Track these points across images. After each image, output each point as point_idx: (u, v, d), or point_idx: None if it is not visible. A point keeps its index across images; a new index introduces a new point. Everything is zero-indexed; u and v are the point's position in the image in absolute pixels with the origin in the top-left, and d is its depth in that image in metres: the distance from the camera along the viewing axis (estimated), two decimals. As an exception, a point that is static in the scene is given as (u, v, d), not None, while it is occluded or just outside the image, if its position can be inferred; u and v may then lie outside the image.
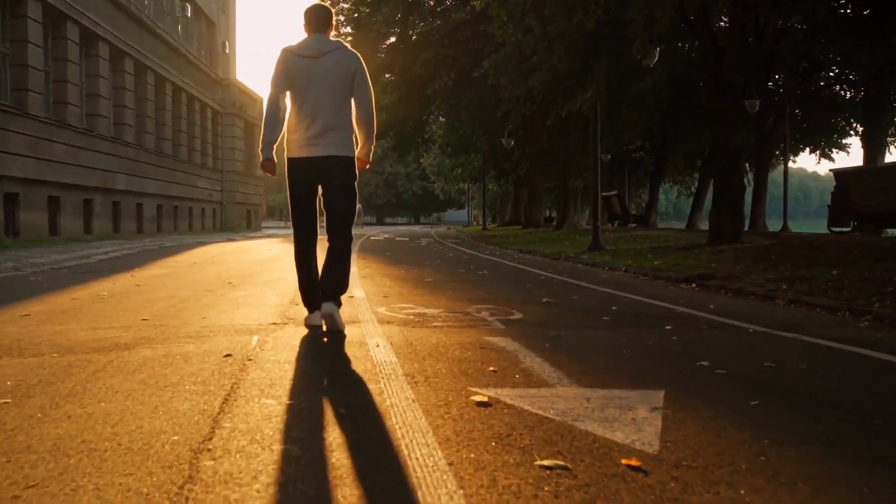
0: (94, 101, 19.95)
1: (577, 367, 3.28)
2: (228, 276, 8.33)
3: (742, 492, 1.81)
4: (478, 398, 2.67)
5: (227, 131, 32.47)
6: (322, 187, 4.33)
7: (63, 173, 17.84)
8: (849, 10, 15.86)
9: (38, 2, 16.67)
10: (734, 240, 11.89)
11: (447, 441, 2.17)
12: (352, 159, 4.30)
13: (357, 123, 4.31)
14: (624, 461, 2.00)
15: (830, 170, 15.40)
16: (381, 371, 3.17)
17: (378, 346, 3.79)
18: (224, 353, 3.53)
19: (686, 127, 26.71)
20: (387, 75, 27.29)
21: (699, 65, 19.73)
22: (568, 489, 1.80)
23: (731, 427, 2.37)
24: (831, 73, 25.71)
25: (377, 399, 2.69)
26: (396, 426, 2.32)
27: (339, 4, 26.22)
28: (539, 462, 1.98)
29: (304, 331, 4.30)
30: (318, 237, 4.49)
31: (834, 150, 30.97)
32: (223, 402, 2.61)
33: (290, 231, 4.60)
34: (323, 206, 4.39)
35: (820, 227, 34.32)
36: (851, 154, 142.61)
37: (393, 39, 27.11)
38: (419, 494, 1.76)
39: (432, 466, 1.94)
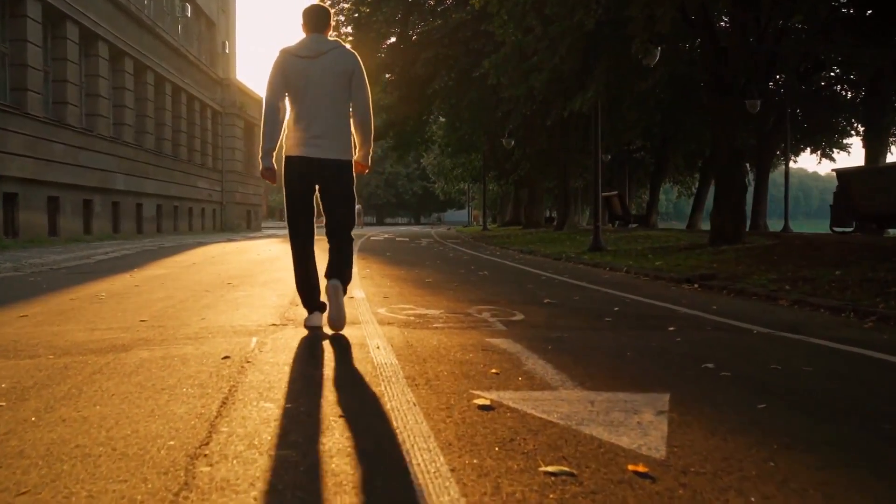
0: (93, 101, 19.91)
1: (580, 370, 3.23)
2: (228, 277, 8.28)
3: (752, 499, 1.77)
4: (480, 401, 2.62)
5: (226, 131, 32.43)
6: (319, 190, 4.29)
7: (62, 173, 17.79)
8: (850, 10, 15.82)
9: (38, 1, 16.63)
10: (736, 240, 11.83)
11: (449, 446, 2.12)
12: (350, 163, 4.27)
13: (354, 124, 4.29)
14: (630, 467, 1.96)
15: (833, 170, 15.37)
16: (381, 373, 3.12)
17: (378, 347, 3.74)
18: (222, 355, 3.48)
19: (686, 127, 26.65)
20: (387, 75, 27.24)
21: (700, 65, 19.69)
22: (574, 496, 1.76)
23: (738, 431, 2.33)
24: (832, 73, 25.67)
25: (378, 402, 2.64)
26: (397, 430, 2.28)
27: (339, 4, 26.18)
28: (543, 468, 1.94)
29: (304, 332, 4.25)
30: (316, 237, 4.44)
31: (835, 150, 30.93)
32: (221, 406, 2.56)
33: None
34: (321, 210, 4.35)
35: (820, 227, 34.27)
36: (852, 154, 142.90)
37: (393, 39, 27.06)
38: (421, 503, 1.71)
39: (434, 473, 1.89)
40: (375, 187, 74.03)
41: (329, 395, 2.76)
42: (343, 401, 2.67)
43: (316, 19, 4.25)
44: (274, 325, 4.55)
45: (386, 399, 2.68)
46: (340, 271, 4.23)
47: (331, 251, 4.30)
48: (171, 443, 2.13)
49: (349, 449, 2.10)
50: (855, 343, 4.16)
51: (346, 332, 4.25)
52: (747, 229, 15.61)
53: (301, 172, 4.21)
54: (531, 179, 29.46)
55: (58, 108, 18.04)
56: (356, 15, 26.02)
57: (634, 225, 25.60)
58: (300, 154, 4.19)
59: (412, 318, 4.90)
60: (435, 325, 4.55)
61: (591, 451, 2.10)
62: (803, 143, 30.40)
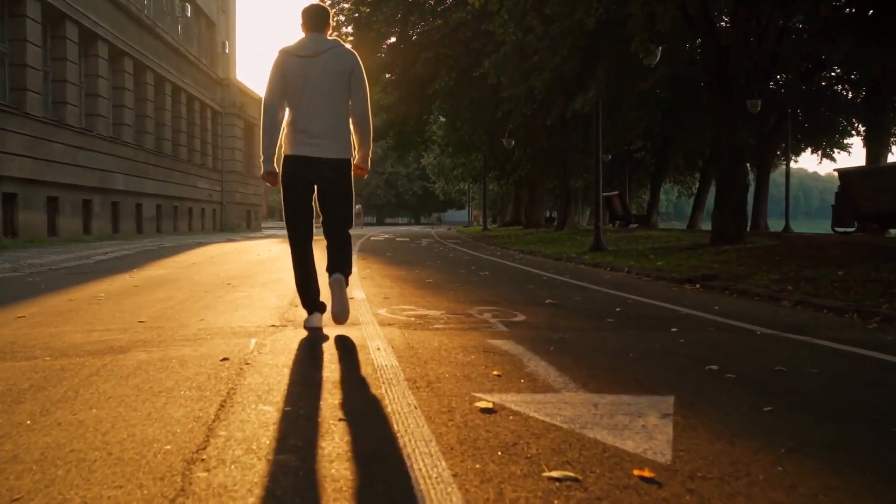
0: (93, 101, 19.88)
1: (583, 372, 3.19)
2: (227, 277, 8.24)
3: (761, 505, 1.73)
4: (482, 404, 2.59)
5: (226, 131, 32.40)
6: (318, 189, 4.27)
7: (62, 173, 17.76)
8: (852, 10, 15.77)
9: (38, 1, 16.60)
10: (737, 240, 11.80)
11: (451, 450, 2.08)
12: (349, 161, 4.26)
13: (353, 123, 4.28)
14: (636, 472, 1.92)
15: (834, 169, 15.31)
16: (382, 375, 3.09)
17: (379, 349, 3.70)
18: (221, 357, 3.45)
19: (687, 127, 26.64)
20: (387, 75, 27.20)
21: (701, 64, 19.66)
22: (579, 503, 1.72)
23: (744, 434, 2.29)
24: (833, 73, 25.63)
25: (378, 405, 2.60)
26: (398, 434, 2.24)
27: (339, 4, 26.13)
28: (547, 473, 1.90)
29: (304, 333, 4.21)
30: (315, 238, 4.42)
31: (835, 150, 30.90)
32: (219, 409, 2.52)
33: (290, 231, 4.49)
34: (319, 209, 4.34)
35: (821, 227, 34.22)
36: (853, 154, 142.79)
37: (393, 39, 27.02)
38: (422, 509, 1.68)
39: (436, 478, 1.85)
40: (375, 187, 74.00)
41: (329, 398, 2.72)
42: (343, 404, 2.64)
43: (315, 19, 4.25)
44: (273, 326, 4.51)
45: (387, 402, 2.64)
46: (341, 267, 4.24)
47: (329, 250, 4.30)
48: (168, 447, 2.09)
49: (349, 453, 2.06)
50: (860, 344, 4.12)
51: (346, 333, 4.22)
52: (748, 229, 15.58)
53: (300, 172, 4.20)
54: (531, 179, 29.43)
55: (57, 107, 18.01)
56: (356, 15, 25.98)
57: (635, 225, 25.57)
58: (299, 154, 4.18)
59: (413, 319, 4.86)
60: (436, 327, 4.51)
61: (596, 456, 2.06)
62: (804, 143, 30.37)
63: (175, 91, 26.38)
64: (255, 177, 36.04)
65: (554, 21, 14.17)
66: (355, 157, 4.33)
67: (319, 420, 2.40)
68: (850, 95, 27.35)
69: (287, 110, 4.26)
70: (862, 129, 27.81)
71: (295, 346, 3.84)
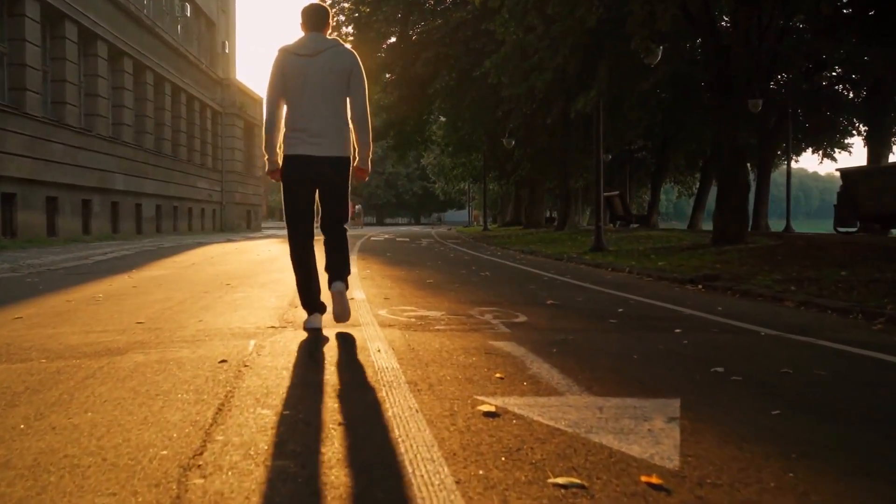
0: (92, 101, 19.83)
1: (586, 374, 3.15)
2: (227, 278, 8.20)
3: (773, 513, 1.68)
4: (485, 408, 2.54)
5: (226, 131, 32.35)
6: (318, 187, 4.27)
7: (61, 173, 17.71)
8: (852, 10, 15.72)
9: (37, 1, 16.55)
10: (738, 240, 11.75)
11: (453, 456, 2.03)
12: (348, 159, 4.26)
13: (352, 122, 4.27)
14: (644, 478, 1.87)
15: (837, 169, 15.27)
16: (382, 378, 3.04)
17: (379, 351, 3.65)
18: (219, 359, 3.40)
19: (688, 127, 26.60)
20: (387, 75, 27.16)
21: (702, 64, 19.61)
22: (585, 511, 1.67)
23: (753, 439, 2.24)
24: (834, 73, 25.58)
25: (379, 409, 2.56)
26: (399, 439, 2.19)
27: (339, 4, 26.07)
28: (552, 480, 1.85)
29: (303, 335, 4.17)
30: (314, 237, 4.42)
31: (836, 150, 30.85)
32: (216, 413, 2.48)
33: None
34: (319, 207, 4.35)
35: (821, 227, 34.15)
36: (854, 154, 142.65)
37: (393, 39, 26.97)
38: (425, 517, 1.63)
39: (438, 485, 1.81)
40: (375, 187, 73.95)
41: (329, 402, 2.67)
42: (343, 407, 2.59)
43: (315, 18, 4.25)
44: (273, 327, 4.47)
45: (387, 405, 2.59)
46: (341, 271, 4.26)
47: (327, 246, 4.33)
48: (164, 452, 2.05)
49: (349, 459, 2.01)
50: (865, 346, 4.07)
51: (346, 334, 4.17)
52: (749, 229, 15.53)
53: (302, 172, 4.20)
54: (532, 179, 29.39)
55: (56, 107, 17.96)
56: (356, 15, 25.93)
57: (636, 225, 25.52)
58: (300, 153, 4.17)
59: (413, 319, 4.82)
60: (437, 328, 4.46)
61: (602, 461, 2.01)
62: (805, 142, 30.32)
63: (175, 91, 26.34)
64: (255, 177, 36.04)
65: (555, 21, 14.13)
66: (355, 157, 4.32)
67: (319, 424, 2.35)
68: (850, 95, 27.29)
69: (285, 109, 4.25)
70: (863, 128, 27.76)
71: (294, 347, 3.79)
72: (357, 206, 55.93)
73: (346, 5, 26.16)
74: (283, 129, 4.27)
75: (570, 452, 2.08)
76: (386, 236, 26.67)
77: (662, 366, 3.41)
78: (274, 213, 65.78)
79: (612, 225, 24.73)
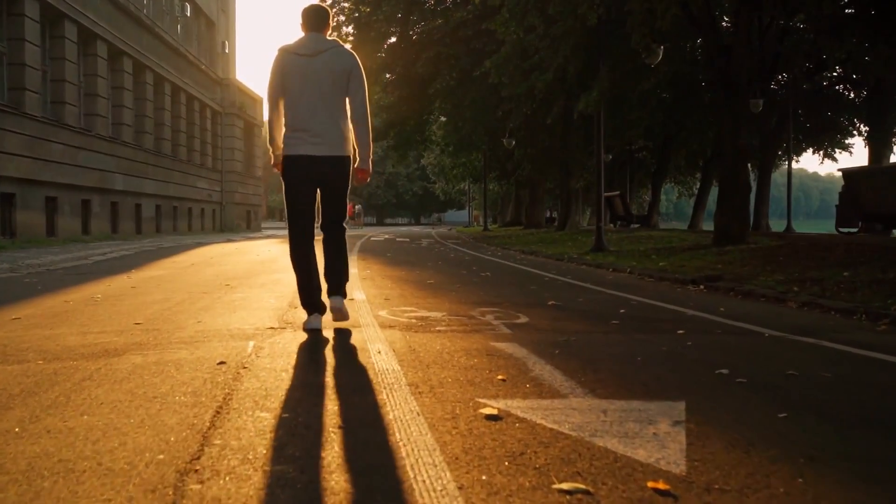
0: (92, 101, 19.79)
1: (590, 376, 3.11)
2: (226, 278, 8.16)
3: (783, 520, 1.64)
4: (487, 410, 2.50)
5: (226, 131, 32.30)
6: (319, 186, 4.29)
7: (60, 173, 17.67)
8: (853, 10, 15.68)
9: (36, 1, 16.50)
10: (740, 240, 11.71)
11: (456, 460, 1.99)
12: (348, 159, 4.28)
13: (352, 122, 4.28)
14: (650, 484, 1.83)
15: (839, 169, 15.21)
16: (383, 380, 3.00)
17: (380, 352, 3.61)
18: (218, 361, 3.36)
19: (688, 127, 26.55)
20: (387, 75, 27.10)
21: (704, 63, 19.57)
22: (591, 518, 1.63)
23: (760, 443, 2.20)
24: (835, 73, 25.53)
25: (379, 412, 2.52)
26: (400, 443, 2.15)
27: (339, 4, 26.01)
28: (557, 485, 1.81)
29: (303, 336, 4.13)
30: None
31: (837, 150, 30.79)
32: (214, 416, 2.44)
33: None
34: (320, 207, 4.37)
35: (821, 227, 34.06)
36: (854, 154, 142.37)
37: (394, 39, 26.91)
38: (427, 524, 1.59)
39: (441, 491, 1.77)
40: (375, 187, 73.88)
41: (328, 404, 2.63)
42: (343, 410, 2.55)
43: (315, 19, 4.27)
44: (272, 328, 4.43)
45: (388, 408, 2.55)
46: (339, 282, 4.33)
47: (326, 248, 4.35)
48: (161, 457, 2.01)
49: (349, 464, 1.97)
50: (871, 347, 4.03)
51: (346, 335, 4.14)
52: (749, 230, 15.46)
53: (303, 172, 4.21)
54: (532, 179, 29.34)
55: (56, 107, 17.92)
56: (356, 14, 25.87)
57: (636, 225, 25.47)
58: (301, 153, 4.18)
59: (414, 320, 4.78)
60: (438, 329, 4.42)
61: (607, 466, 1.97)
62: (805, 142, 30.27)
63: (174, 91, 26.30)
64: (255, 177, 36.00)
65: (556, 20, 14.09)
66: (355, 157, 4.33)
67: (318, 428, 2.31)
68: (851, 95, 27.24)
69: (283, 109, 4.27)
70: (864, 128, 27.71)
71: (294, 349, 3.75)
72: (357, 206, 55.92)
73: (346, 5, 26.09)
74: (283, 129, 4.28)
75: (574, 457, 2.04)
76: (386, 236, 26.63)
77: (666, 368, 3.37)
78: (274, 214, 65.72)
79: (612, 225, 24.69)
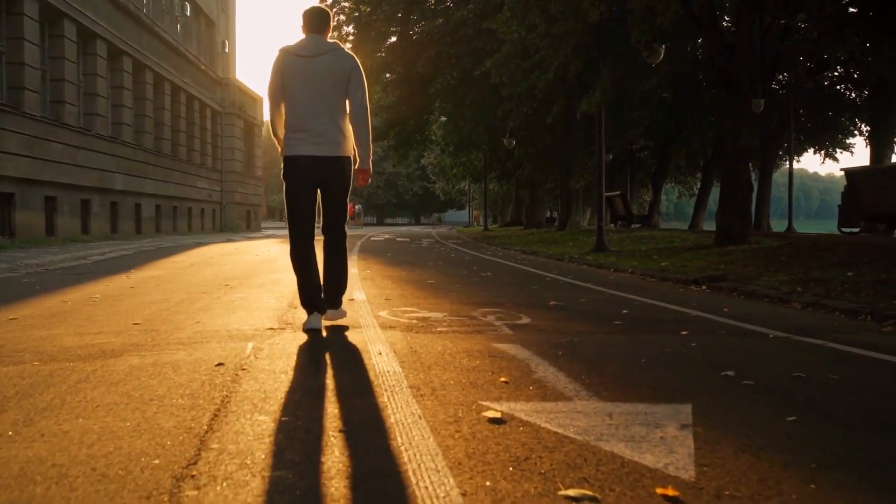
0: (91, 100, 19.73)
1: (594, 378, 3.06)
2: (226, 278, 8.11)
3: (798, 529, 1.59)
4: (490, 414, 2.45)
5: (226, 131, 32.24)
6: (320, 187, 4.31)
7: (60, 173, 17.62)
8: (854, 9, 15.63)
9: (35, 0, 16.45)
10: (742, 240, 11.65)
11: (459, 465, 1.94)
12: (349, 160, 4.30)
13: (352, 124, 4.29)
14: (659, 490, 1.78)
15: (842, 169, 15.15)
16: (384, 382, 2.95)
17: (380, 353, 3.57)
18: (216, 362, 3.31)
19: (689, 126, 26.50)
20: (387, 75, 27.05)
21: (705, 63, 19.52)
22: (599, 526, 1.58)
23: (770, 447, 2.15)
24: (836, 73, 25.47)
25: (380, 415, 2.47)
26: (402, 447, 2.10)
27: (340, 4, 25.96)
28: (563, 492, 1.76)
29: (302, 337, 4.08)
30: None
31: (838, 150, 30.73)
32: (212, 419, 2.39)
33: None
34: (321, 208, 4.39)
35: (822, 227, 33.99)
36: (855, 154, 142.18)
37: (394, 39, 26.86)
38: (430, 533, 1.54)
39: (444, 498, 1.72)
40: (375, 187, 73.81)
41: (328, 407, 2.58)
42: (343, 413, 2.50)
43: (316, 21, 4.30)
44: (271, 329, 4.38)
45: (389, 411, 2.50)
46: (337, 293, 4.39)
47: (326, 251, 4.37)
48: (157, 462, 1.96)
49: (350, 469, 1.92)
50: (877, 348, 3.98)
51: (346, 336, 4.09)
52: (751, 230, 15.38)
53: (305, 172, 4.22)
54: (532, 179, 29.28)
55: (55, 107, 17.86)
56: (356, 14, 25.82)
57: (637, 225, 25.41)
58: (303, 153, 4.20)
59: (415, 321, 4.73)
60: (439, 330, 4.38)
61: (614, 472, 1.92)
62: (806, 143, 30.20)
63: (174, 90, 26.24)
64: (255, 177, 35.94)
65: (557, 19, 14.04)
66: (355, 158, 4.35)
67: (318, 432, 2.26)
68: (852, 95, 27.17)
69: (286, 107, 4.28)
70: (865, 128, 27.64)
71: (293, 350, 3.70)
72: (357, 206, 55.88)
73: (347, 4, 26.03)
74: (283, 129, 4.32)
75: (580, 462, 2.00)
76: (386, 236, 26.58)
77: (671, 369, 3.32)
78: (274, 214, 65.67)
79: (613, 225, 24.63)
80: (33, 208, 16.69)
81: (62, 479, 1.83)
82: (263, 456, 2.02)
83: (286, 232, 4.44)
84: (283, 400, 2.66)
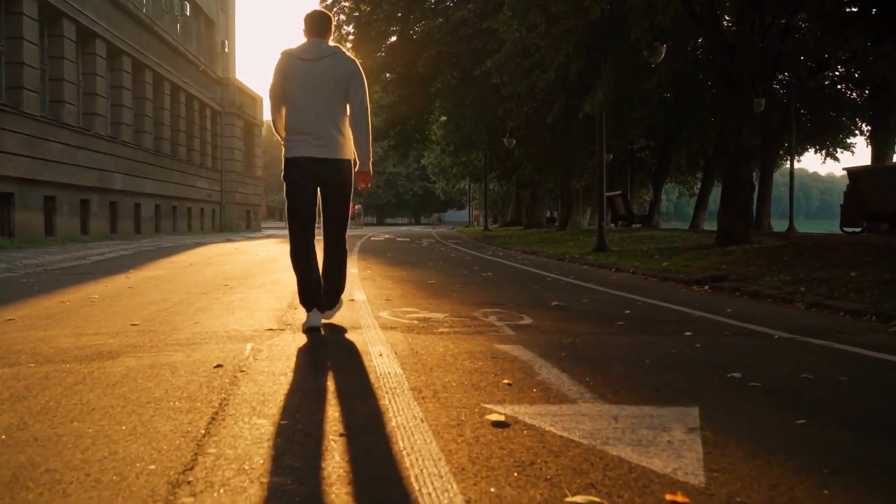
0: (91, 100, 19.69)
1: (598, 380, 3.01)
2: (225, 278, 8.06)
3: (813, 537, 1.54)
4: (494, 417, 2.40)
5: (226, 131, 32.20)
6: (322, 190, 4.33)
7: (59, 173, 17.57)
8: (858, 8, 15.56)
9: (34, -1, 16.42)
10: (744, 240, 11.60)
11: (462, 471, 1.89)
12: (349, 162, 4.32)
13: (352, 127, 4.30)
14: (668, 497, 1.73)
15: (844, 168, 15.13)
16: (385, 384, 2.90)
17: (381, 355, 3.52)
18: (215, 364, 3.26)
19: (689, 126, 26.42)
20: (388, 74, 26.99)
21: (706, 62, 19.47)
22: (608, 535, 1.53)
23: (780, 452, 2.10)
24: (837, 73, 25.40)
25: (381, 418, 2.42)
26: (404, 451, 2.05)
27: (339, 3, 25.90)
28: (570, 498, 1.71)
29: (302, 338, 4.03)
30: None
31: (839, 149, 30.65)
32: (209, 422, 2.34)
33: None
34: (320, 208, 4.39)
35: (822, 227, 33.92)
36: (856, 154, 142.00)
37: (394, 39, 26.80)
38: (433, 542, 1.49)
39: (447, 504, 1.67)
40: (375, 187, 73.72)
41: (328, 410, 2.54)
42: (344, 416, 2.45)
43: (318, 24, 4.34)
44: (270, 329, 4.33)
45: (391, 414, 2.45)
46: (337, 291, 4.43)
47: (328, 258, 4.39)
48: (152, 467, 1.91)
49: (350, 475, 1.87)
50: (884, 349, 3.93)
51: (347, 337, 4.05)
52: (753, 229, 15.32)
53: (305, 174, 4.23)
54: (533, 179, 29.23)
55: (55, 106, 17.81)
56: (356, 14, 25.77)
57: (638, 225, 25.36)
58: (305, 155, 4.21)
59: (416, 322, 4.68)
60: (440, 330, 4.33)
61: (622, 477, 1.88)
62: (807, 142, 30.12)
63: (174, 90, 26.19)
64: (255, 177, 35.89)
65: (558, 19, 13.99)
66: (356, 161, 4.36)
67: (318, 436, 2.21)
68: (853, 95, 27.11)
69: (287, 109, 4.30)
70: (866, 128, 27.58)
71: (293, 351, 3.65)
72: (357, 206, 55.81)
73: (347, 4, 25.98)
74: (284, 131, 4.34)
75: (586, 467, 1.95)
76: (386, 236, 26.53)
77: (676, 371, 3.28)
78: (274, 214, 65.62)
79: (613, 225, 24.58)
80: (32, 208, 16.64)
81: (55, 486, 1.78)
82: (262, 461, 1.97)
83: (286, 232, 4.42)
84: (282, 403, 2.61)
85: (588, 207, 34.15)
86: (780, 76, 24.01)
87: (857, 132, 29.36)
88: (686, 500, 1.71)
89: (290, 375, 3.09)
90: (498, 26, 15.54)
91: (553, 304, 5.94)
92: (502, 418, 2.39)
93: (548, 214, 37.84)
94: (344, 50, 4.41)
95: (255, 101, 35.24)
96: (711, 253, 10.82)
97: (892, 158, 22.65)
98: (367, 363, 3.34)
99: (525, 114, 21.31)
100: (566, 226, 23.75)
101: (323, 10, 4.51)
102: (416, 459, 1.98)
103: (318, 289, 4.28)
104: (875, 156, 22.60)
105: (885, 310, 5.20)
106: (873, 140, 23.51)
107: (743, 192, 12.03)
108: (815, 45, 18.12)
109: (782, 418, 2.49)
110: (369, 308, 5.34)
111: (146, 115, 23.55)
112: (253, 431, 2.24)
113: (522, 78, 17.66)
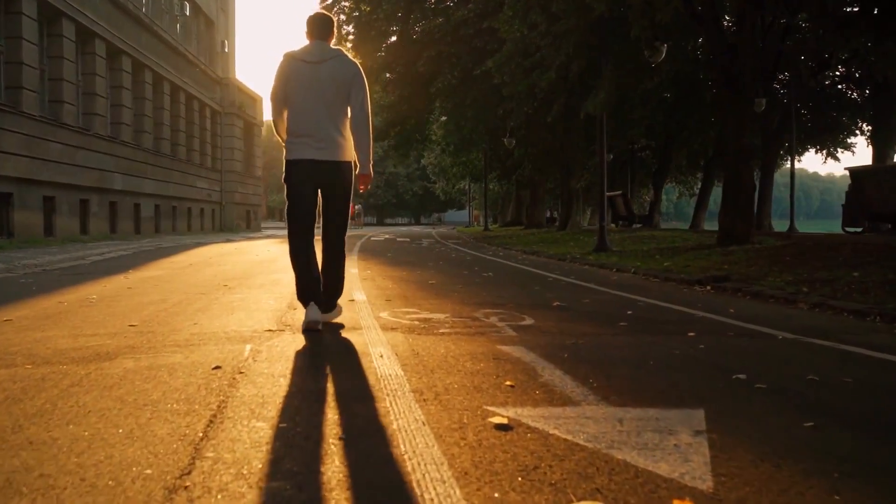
0: (90, 100, 19.65)
1: (602, 382, 2.97)
2: (225, 279, 8.02)
3: (825, 545, 1.51)
4: (496, 419, 2.36)
5: (226, 131, 32.16)
6: (322, 192, 4.32)
7: (59, 173, 17.53)
8: (859, 8, 15.53)
9: (34, -2, 16.38)
10: (745, 240, 11.55)
11: (465, 475, 1.86)
12: (350, 165, 4.32)
13: (353, 130, 4.29)
14: (676, 502, 1.70)
15: (846, 168, 15.08)
16: (385, 386, 2.86)
17: (382, 356, 3.48)
18: (213, 365, 3.22)
19: (690, 126, 26.39)
20: (388, 74, 26.94)
21: (707, 62, 19.44)
22: (615, 542, 1.50)
23: (788, 455, 2.07)
24: (838, 73, 25.37)
25: (382, 421, 2.38)
26: (405, 455, 2.01)
27: (339, 3, 25.85)
28: (576, 504, 1.68)
29: (302, 339, 3.99)
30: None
31: (839, 149, 30.62)
32: (207, 425, 2.30)
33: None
34: (321, 210, 4.39)
35: (822, 227, 33.88)
36: (856, 154, 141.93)
37: (394, 39, 26.75)
38: (436, 550, 1.45)
39: (450, 511, 1.63)
40: (375, 187, 73.66)
41: (328, 413, 2.50)
42: (344, 419, 2.41)
43: (320, 27, 4.35)
44: (270, 330, 4.30)
45: (391, 417, 2.41)
46: (336, 292, 4.42)
47: (327, 260, 4.38)
48: (149, 471, 1.87)
49: (351, 479, 1.83)
50: (889, 350, 3.90)
51: (347, 338, 4.01)
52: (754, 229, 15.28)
53: (307, 175, 4.23)
54: (533, 179, 29.18)
55: (54, 106, 17.78)
56: (356, 14, 25.71)
57: (638, 225, 25.32)
58: (306, 157, 4.21)
59: (417, 322, 4.64)
60: (441, 331, 4.29)
61: (628, 482, 1.84)
62: (807, 142, 30.09)
63: (174, 90, 26.15)
64: (255, 177, 35.85)
65: (559, 18, 13.95)
66: (356, 164, 4.36)
67: (318, 439, 2.17)
68: (854, 95, 27.07)
69: (286, 114, 4.30)
70: (867, 128, 27.54)
71: (292, 353, 3.61)
72: (357, 207, 55.79)
73: (347, 4, 25.92)
74: (285, 133, 4.34)
75: (591, 471, 1.91)
76: (386, 236, 26.49)
77: (681, 372, 3.24)
78: (274, 214, 65.56)
79: (614, 225, 24.54)
80: (32, 208, 16.61)
81: (49, 491, 1.74)
82: (260, 465, 1.93)
83: (286, 232, 4.39)
84: (281, 405, 2.58)
85: (588, 207, 34.10)
86: (781, 76, 23.97)
87: (857, 132, 29.33)
88: (694, 505, 1.68)
89: (289, 377, 3.05)
90: (498, 26, 15.50)
91: (554, 304, 5.90)
92: (505, 421, 2.35)
93: (548, 214, 37.80)
94: (346, 53, 4.41)
95: (254, 101, 35.21)
96: (712, 253, 10.78)
97: (892, 158, 22.62)
98: (367, 365, 3.30)
99: (525, 114, 21.26)
100: (566, 226, 23.71)
101: (325, 12, 4.49)
102: (418, 464, 1.94)
103: (317, 284, 4.26)
104: (876, 156, 22.57)
105: (890, 310, 5.17)
106: (874, 140, 23.48)
107: (744, 191, 11.99)
108: (815, 44, 18.10)
109: (789, 420, 2.45)
110: (369, 308, 5.30)
111: (146, 114, 23.51)
112: (252, 435, 2.21)
113: (523, 77, 17.61)
